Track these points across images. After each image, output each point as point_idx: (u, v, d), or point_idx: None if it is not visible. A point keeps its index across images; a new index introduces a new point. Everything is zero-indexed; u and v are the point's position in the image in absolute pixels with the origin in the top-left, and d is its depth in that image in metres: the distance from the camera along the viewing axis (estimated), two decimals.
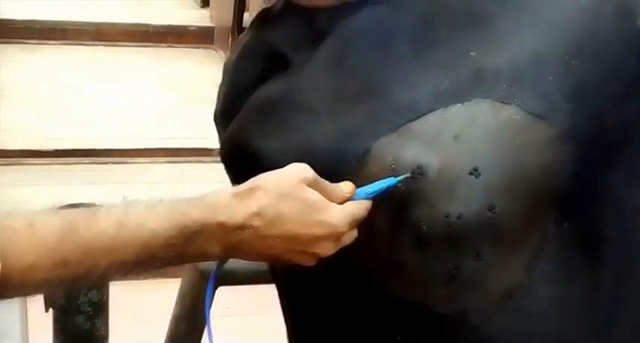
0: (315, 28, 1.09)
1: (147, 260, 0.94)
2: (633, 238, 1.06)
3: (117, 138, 4.60)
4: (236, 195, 0.96)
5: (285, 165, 1.02)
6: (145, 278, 3.23)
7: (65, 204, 2.64)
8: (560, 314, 1.04)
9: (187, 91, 4.85)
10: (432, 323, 1.02)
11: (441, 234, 0.96)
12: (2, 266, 0.86)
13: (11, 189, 3.96)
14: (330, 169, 1.00)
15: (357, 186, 1.00)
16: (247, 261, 1.43)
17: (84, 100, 5.03)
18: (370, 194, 0.99)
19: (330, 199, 0.97)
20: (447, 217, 0.96)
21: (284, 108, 1.08)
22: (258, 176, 0.98)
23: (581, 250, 1.04)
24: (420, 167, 0.96)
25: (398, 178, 0.97)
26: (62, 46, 5.87)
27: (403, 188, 0.97)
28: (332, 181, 1.00)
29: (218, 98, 1.22)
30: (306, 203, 0.96)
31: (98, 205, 0.96)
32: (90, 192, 3.82)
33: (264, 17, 1.18)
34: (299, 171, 0.97)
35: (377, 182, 0.98)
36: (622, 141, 1.01)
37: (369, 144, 1.00)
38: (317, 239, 0.96)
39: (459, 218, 0.96)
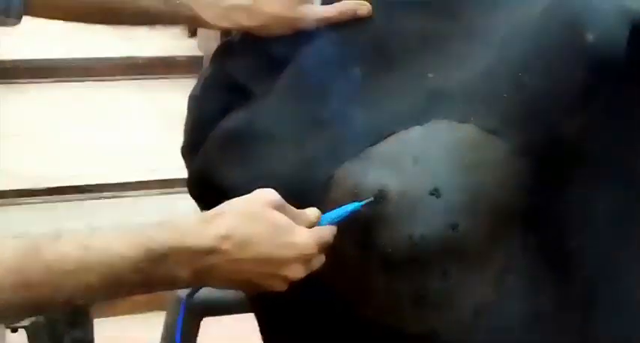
0: (275, 57, 1.11)
1: (113, 284, 0.92)
2: (600, 251, 1.06)
3: (109, 172, 4.59)
4: (203, 220, 0.96)
5: None
6: (131, 313, 3.22)
7: None
8: (532, 329, 1.04)
9: (178, 121, 4.82)
10: None
11: (406, 256, 0.97)
12: None
13: (6, 230, 3.94)
14: (295, 197, 1.00)
15: (323, 212, 1.00)
16: (231, 291, 1.44)
17: (74, 137, 5.02)
18: (335, 219, 0.99)
19: (295, 221, 0.97)
20: (410, 238, 0.96)
21: (246, 139, 1.09)
22: (225, 202, 0.98)
23: (548, 264, 1.04)
24: (381, 191, 0.97)
25: (361, 202, 0.98)
26: (51, 84, 5.86)
27: (366, 212, 0.98)
28: (297, 209, 1.01)
29: (185, 132, 1.23)
30: (274, 225, 0.96)
31: (62, 231, 0.95)
32: (81, 228, 3.80)
33: (225, 49, 1.19)
34: (265, 195, 0.97)
35: (341, 207, 0.99)
36: (576, 153, 1.01)
37: (331, 171, 1.01)
38: (287, 261, 0.96)
39: (422, 239, 0.96)
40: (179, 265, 0.94)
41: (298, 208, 1.00)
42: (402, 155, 0.98)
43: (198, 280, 0.97)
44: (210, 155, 1.14)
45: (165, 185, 4.42)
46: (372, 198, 0.97)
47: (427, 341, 1.02)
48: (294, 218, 0.98)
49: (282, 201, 0.97)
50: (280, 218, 0.96)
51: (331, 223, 0.99)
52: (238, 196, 0.99)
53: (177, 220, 0.97)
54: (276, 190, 0.99)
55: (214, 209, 0.97)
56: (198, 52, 6.38)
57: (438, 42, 1.02)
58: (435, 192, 0.96)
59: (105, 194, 4.44)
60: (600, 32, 0.97)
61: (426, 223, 0.96)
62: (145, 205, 4.30)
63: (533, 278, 1.03)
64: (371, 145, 1.00)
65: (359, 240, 0.99)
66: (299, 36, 1.09)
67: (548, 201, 1.02)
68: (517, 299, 1.02)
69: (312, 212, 1.00)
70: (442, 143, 0.98)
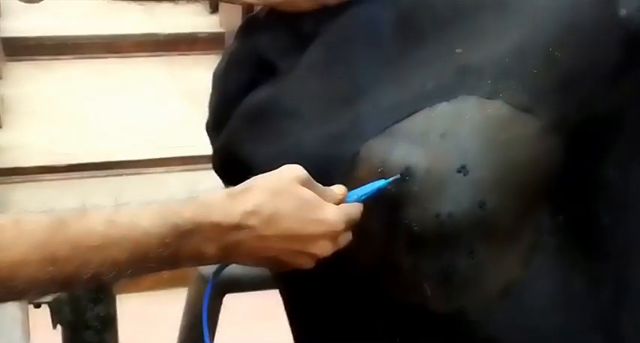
0: (300, 33, 1.09)
1: (140, 259, 0.91)
2: (633, 228, 1.05)
3: (131, 149, 4.61)
4: (230, 195, 0.95)
5: None
6: (155, 289, 3.24)
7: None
8: (562, 308, 1.03)
9: (200, 98, 4.80)
10: (431, 322, 1.02)
11: (433, 234, 0.96)
12: None
13: (28, 206, 3.96)
14: (321, 174, 1.00)
15: (349, 189, 0.99)
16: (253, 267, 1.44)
17: (97, 113, 5.05)
18: (362, 196, 0.98)
19: (323, 198, 0.97)
20: (437, 217, 0.95)
21: (272, 115, 1.08)
22: (252, 178, 0.97)
23: (579, 242, 1.03)
24: (408, 168, 0.96)
25: (388, 180, 0.97)
26: (74, 60, 5.88)
27: (393, 190, 0.97)
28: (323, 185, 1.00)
29: (209, 108, 1.22)
30: (302, 200, 0.95)
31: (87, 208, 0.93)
32: (106, 204, 3.82)
33: (250, 25, 1.18)
34: (292, 171, 0.96)
35: (368, 184, 0.98)
36: (611, 129, 1.00)
37: (357, 147, 1.00)
38: (315, 238, 0.95)
39: (449, 217, 0.95)
40: (206, 241, 0.93)
41: (324, 185, 0.99)
42: (429, 132, 0.97)
43: (225, 256, 0.96)
44: (236, 131, 1.13)
45: (187, 162, 4.43)
46: (398, 176, 0.96)
47: (454, 319, 1.01)
48: (320, 194, 0.97)
49: (309, 177, 0.96)
50: (308, 194, 0.95)
51: (357, 200, 0.98)
52: (263, 172, 0.98)
53: (204, 196, 0.95)
54: (301, 166, 0.99)
55: (241, 184, 0.96)
56: (220, 29, 6.38)
57: (469, 16, 1.01)
58: (462, 170, 0.95)
59: (127, 171, 4.46)
60: (633, 7, 0.96)
61: (454, 201, 0.95)
62: (167, 182, 4.31)
63: (563, 256, 1.02)
64: (397, 122, 0.99)
65: (385, 217, 0.98)
66: (326, 11, 1.07)
67: (579, 179, 1.01)
68: (546, 277, 1.02)
69: (338, 189, 0.99)
70: (470, 119, 0.96)
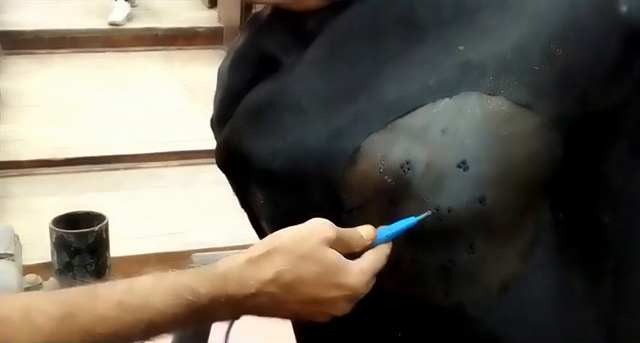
0: (304, 30, 1.10)
1: (152, 334, 0.93)
2: (633, 226, 1.05)
3: (128, 143, 4.61)
4: (250, 261, 0.93)
5: (276, 167, 1.04)
6: None
7: (79, 210, 2.64)
8: (561, 304, 1.04)
9: (199, 93, 4.82)
10: (430, 317, 1.03)
11: (433, 229, 0.96)
12: None
13: (25, 200, 3.97)
14: (321, 169, 1.00)
15: (349, 183, 0.99)
16: None
17: (94, 107, 5.05)
18: (390, 236, 0.98)
19: (351, 250, 0.96)
20: (437, 211, 0.96)
21: (274, 110, 1.09)
22: (276, 235, 0.96)
23: (579, 239, 1.04)
24: (408, 162, 0.97)
25: (419, 217, 0.96)
26: (72, 54, 5.88)
27: (393, 183, 0.97)
28: (323, 181, 1.01)
29: (214, 104, 1.23)
30: (326, 266, 0.93)
31: (99, 284, 0.93)
32: (103, 198, 3.83)
33: (255, 21, 1.18)
34: (321, 232, 0.95)
35: (397, 222, 0.97)
36: (610, 126, 1.01)
37: (358, 142, 1.00)
38: (335, 301, 0.95)
39: (449, 211, 0.96)
40: (221, 310, 0.94)
41: (325, 179, 1.00)
42: (430, 127, 0.97)
43: (239, 317, 0.97)
44: (238, 126, 1.13)
45: (185, 156, 4.43)
46: (429, 213, 0.96)
47: (453, 314, 1.02)
48: (348, 246, 0.96)
49: (338, 234, 0.95)
50: (333, 256, 0.94)
51: (387, 239, 0.98)
52: (263, 167, 0.99)
53: (223, 264, 0.94)
54: (302, 162, 1.00)
55: (264, 244, 0.95)
56: (218, 24, 6.38)
57: (470, 14, 1.01)
58: (463, 165, 0.96)
59: (124, 165, 4.46)
60: (634, 4, 0.97)
61: (453, 196, 0.96)
62: (165, 177, 4.31)
63: (563, 253, 1.03)
64: (399, 117, 0.99)
65: (384, 211, 0.99)
66: (329, 8, 1.07)
67: (579, 176, 1.01)
68: (546, 273, 1.02)
69: (366, 232, 0.98)
70: (471, 115, 0.97)
